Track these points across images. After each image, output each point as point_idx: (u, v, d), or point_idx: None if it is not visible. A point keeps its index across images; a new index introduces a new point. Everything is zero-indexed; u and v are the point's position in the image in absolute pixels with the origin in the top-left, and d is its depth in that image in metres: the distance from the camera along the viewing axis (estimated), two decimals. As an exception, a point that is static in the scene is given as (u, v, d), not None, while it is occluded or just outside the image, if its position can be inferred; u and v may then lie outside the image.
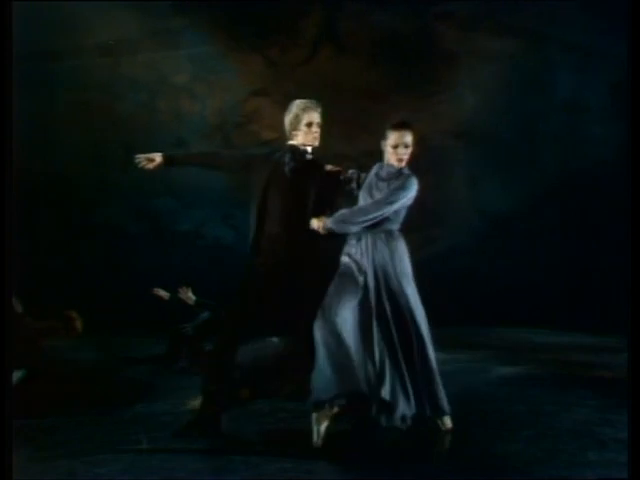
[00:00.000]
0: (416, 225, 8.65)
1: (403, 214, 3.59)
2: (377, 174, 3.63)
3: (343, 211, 3.53)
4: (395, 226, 3.60)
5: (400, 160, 3.53)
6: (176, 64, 8.32)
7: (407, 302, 3.50)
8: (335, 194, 3.72)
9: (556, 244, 8.25)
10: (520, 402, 4.23)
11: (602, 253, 7.95)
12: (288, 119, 3.75)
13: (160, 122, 8.28)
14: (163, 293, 5.36)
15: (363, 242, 3.55)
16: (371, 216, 3.48)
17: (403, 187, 3.48)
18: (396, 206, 3.51)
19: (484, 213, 8.40)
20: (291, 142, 3.73)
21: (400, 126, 3.53)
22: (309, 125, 3.70)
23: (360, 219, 3.48)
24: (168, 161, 3.80)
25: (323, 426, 3.19)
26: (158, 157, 3.77)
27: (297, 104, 3.78)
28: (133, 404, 4.14)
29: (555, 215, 8.30)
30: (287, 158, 3.66)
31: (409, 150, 3.54)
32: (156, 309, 5.43)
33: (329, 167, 3.75)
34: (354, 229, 3.51)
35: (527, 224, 8.19)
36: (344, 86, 8.48)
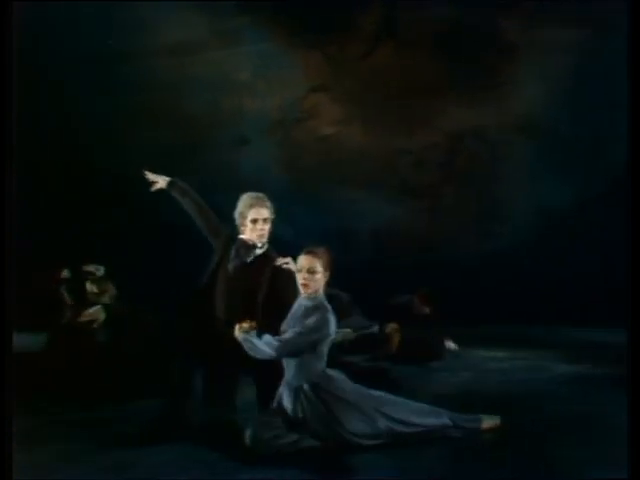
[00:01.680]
0: (476, 220, 8.64)
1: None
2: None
3: (270, 338, 3.36)
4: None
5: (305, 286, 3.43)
6: (238, 62, 8.48)
7: None
8: (288, 289, 3.58)
9: (619, 242, 8.00)
10: (580, 402, 4.18)
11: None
12: (235, 213, 3.76)
13: (223, 120, 8.47)
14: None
15: None
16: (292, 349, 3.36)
17: (316, 327, 3.34)
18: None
19: (545, 209, 8.22)
20: (240, 236, 3.72)
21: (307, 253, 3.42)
22: (254, 222, 3.65)
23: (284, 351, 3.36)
24: (169, 187, 3.97)
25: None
26: (162, 182, 3.99)
27: (244, 199, 3.75)
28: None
29: (617, 212, 8.05)
30: (232, 253, 3.67)
31: (315, 276, 3.40)
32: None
33: (280, 261, 3.67)
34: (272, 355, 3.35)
35: (588, 221, 7.97)
36: (404, 81, 8.45)
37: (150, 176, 4.05)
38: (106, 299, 4.93)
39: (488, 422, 3.55)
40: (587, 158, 8.18)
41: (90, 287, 4.93)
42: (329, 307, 3.43)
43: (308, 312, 3.39)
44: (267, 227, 3.62)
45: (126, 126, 8.29)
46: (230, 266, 3.66)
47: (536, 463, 3.10)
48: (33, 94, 8.40)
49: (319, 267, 3.40)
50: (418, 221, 8.40)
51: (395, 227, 8.38)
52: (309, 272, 3.40)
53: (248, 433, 3.26)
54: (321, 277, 3.42)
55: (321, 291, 3.46)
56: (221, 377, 3.67)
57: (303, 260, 3.42)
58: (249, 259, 3.66)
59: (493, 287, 7.58)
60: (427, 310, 6.06)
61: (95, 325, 4.77)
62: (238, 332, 3.27)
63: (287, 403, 3.38)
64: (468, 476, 3.04)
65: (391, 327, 5.79)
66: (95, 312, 4.74)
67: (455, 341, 6.17)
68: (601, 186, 8.07)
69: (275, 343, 3.30)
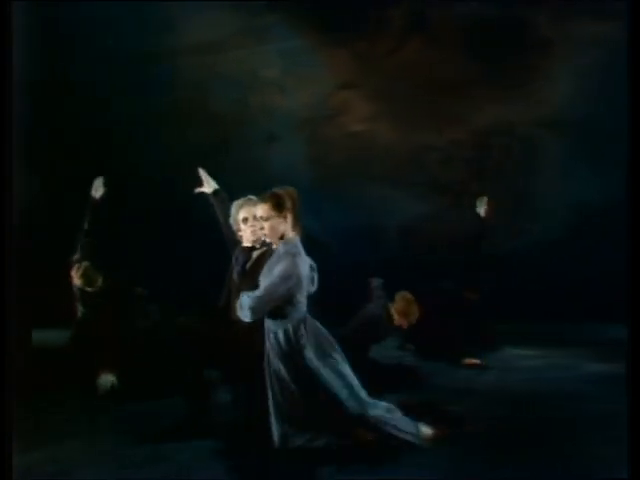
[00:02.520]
0: (509, 217, 8.57)
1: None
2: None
3: (244, 297, 3.28)
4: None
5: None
6: (267, 59, 8.54)
7: None
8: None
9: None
10: (608, 400, 4.14)
11: None
12: (231, 221, 3.84)
13: (252, 117, 8.54)
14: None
15: None
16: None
17: (285, 274, 3.19)
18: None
19: (577, 206, 8.12)
20: (242, 245, 3.77)
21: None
22: (245, 220, 3.70)
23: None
24: (213, 194, 4.10)
25: None
26: (209, 187, 4.14)
27: (234, 205, 3.82)
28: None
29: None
30: (233, 261, 3.75)
31: (266, 223, 3.27)
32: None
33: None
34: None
35: (621, 217, 7.85)
36: (433, 76, 8.41)
37: (203, 175, 4.14)
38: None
39: (426, 431, 3.35)
40: (619, 155, 8.05)
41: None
42: (301, 251, 3.25)
43: (279, 259, 3.22)
44: (261, 224, 3.36)
45: (157, 125, 8.42)
46: (234, 274, 3.73)
47: (557, 461, 3.09)
48: (65, 94, 8.57)
49: (266, 213, 3.24)
50: (446, 218, 8.36)
51: (423, 224, 8.37)
52: (255, 220, 3.46)
53: (276, 432, 3.22)
54: (277, 222, 3.25)
55: (291, 235, 3.27)
56: (244, 380, 3.67)
57: (243, 212, 3.59)
58: (248, 264, 3.68)
59: (522, 284, 7.53)
60: (475, 297, 5.84)
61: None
62: None
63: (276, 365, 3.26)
64: (482, 473, 3.02)
65: (400, 296, 4.97)
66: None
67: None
68: (636, 182, 7.93)
69: (248, 300, 3.16)
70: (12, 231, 2.86)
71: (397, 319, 4.88)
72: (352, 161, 8.45)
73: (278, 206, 3.26)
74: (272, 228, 3.26)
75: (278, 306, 3.21)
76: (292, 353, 3.23)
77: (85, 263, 4.82)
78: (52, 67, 8.53)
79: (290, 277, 3.16)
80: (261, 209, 3.28)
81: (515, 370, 5.26)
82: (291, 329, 3.24)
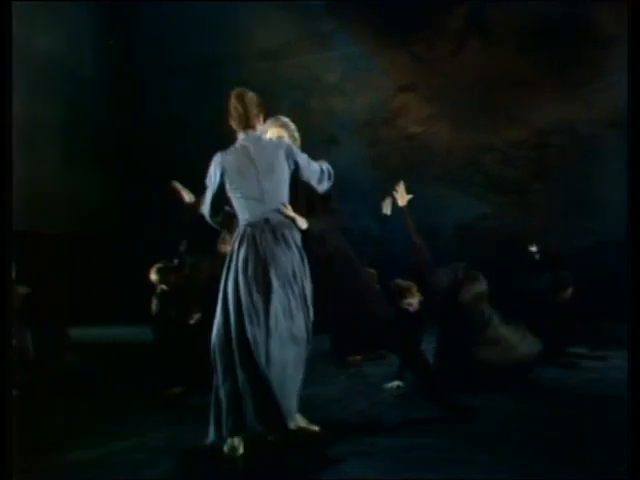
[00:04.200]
0: (567, 216, 8.48)
1: None
2: None
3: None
4: None
5: None
6: (328, 64, 8.80)
7: None
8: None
9: None
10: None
11: None
12: None
13: (313, 120, 8.80)
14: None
15: None
16: None
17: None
18: None
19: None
20: None
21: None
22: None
23: None
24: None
25: None
26: (188, 196, 4.47)
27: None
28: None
29: None
30: None
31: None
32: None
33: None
34: None
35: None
36: (492, 77, 8.45)
37: (179, 187, 4.58)
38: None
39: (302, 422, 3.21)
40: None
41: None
42: None
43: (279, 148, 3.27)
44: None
45: (222, 127, 8.77)
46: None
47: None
48: (135, 97, 9.03)
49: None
50: (505, 217, 8.39)
51: (481, 223, 8.41)
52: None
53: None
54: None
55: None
56: None
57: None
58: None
59: (583, 284, 7.48)
60: (569, 293, 5.61)
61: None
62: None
63: None
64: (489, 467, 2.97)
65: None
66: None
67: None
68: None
69: (326, 165, 3.37)
70: (11, 230, 2.98)
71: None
72: (411, 162, 8.58)
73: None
74: None
75: None
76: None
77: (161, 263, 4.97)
78: (122, 73, 8.98)
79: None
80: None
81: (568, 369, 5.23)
82: None
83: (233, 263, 3.09)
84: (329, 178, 3.39)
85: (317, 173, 3.32)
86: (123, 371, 5.13)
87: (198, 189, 8.58)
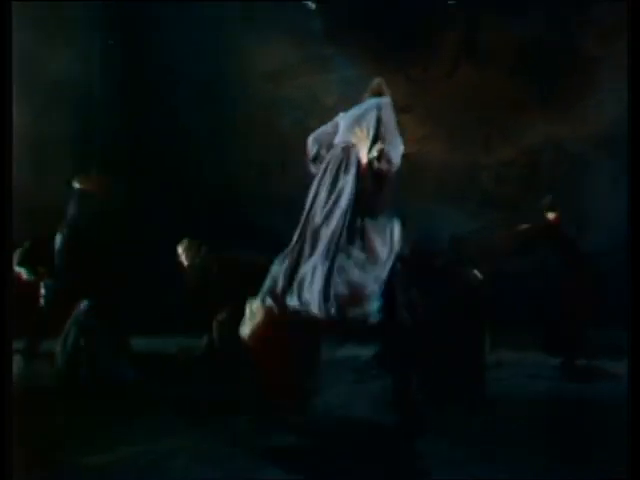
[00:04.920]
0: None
1: None
2: None
3: None
4: None
5: None
6: (327, 86, 9.06)
7: None
8: None
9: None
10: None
11: None
12: None
13: (311, 138, 9.07)
14: None
15: None
16: None
17: None
18: None
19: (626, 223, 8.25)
20: None
21: None
22: None
23: None
24: None
25: None
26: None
27: None
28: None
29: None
30: None
31: None
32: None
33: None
34: None
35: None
36: (485, 97, 8.70)
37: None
38: None
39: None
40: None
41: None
42: None
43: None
44: None
45: (224, 141, 9.07)
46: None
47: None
48: (145, 110, 9.23)
49: None
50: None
51: (475, 240, 8.64)
52: None
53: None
54: None
55: None
56: None
57: None
58: None
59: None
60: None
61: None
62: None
63: None
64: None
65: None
66: None
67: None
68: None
69: None
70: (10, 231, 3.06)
71: None
72: (405, 181, 8.82)
73: None
74: None
75: None
76: None
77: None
78: (132, 85, 9.20)
79: None
80: None
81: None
82: None
83: None
84: None
85: None
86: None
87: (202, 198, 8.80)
